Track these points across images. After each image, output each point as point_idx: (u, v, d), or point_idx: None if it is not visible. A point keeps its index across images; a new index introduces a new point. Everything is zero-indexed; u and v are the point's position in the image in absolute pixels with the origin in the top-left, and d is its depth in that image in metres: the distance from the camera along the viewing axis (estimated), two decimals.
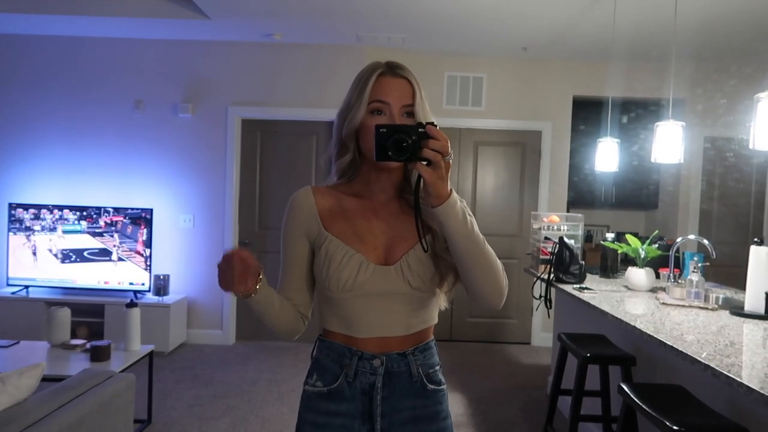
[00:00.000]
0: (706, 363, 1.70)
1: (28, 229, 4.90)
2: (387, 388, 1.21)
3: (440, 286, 1.24)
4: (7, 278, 4.92)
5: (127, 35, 5.06)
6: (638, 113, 5.43)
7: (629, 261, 3.31)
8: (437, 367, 1.28)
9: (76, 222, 4.88)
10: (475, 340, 5.42)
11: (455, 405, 3.78)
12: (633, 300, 2.84)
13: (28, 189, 5.14)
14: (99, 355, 3.09)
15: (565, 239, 3.34)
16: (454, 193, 1.10)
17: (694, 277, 2.73)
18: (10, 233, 4.90)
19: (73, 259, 4.88)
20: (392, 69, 1.22)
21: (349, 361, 1.21)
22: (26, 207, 4.91)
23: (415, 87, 1.20)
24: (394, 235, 1.22)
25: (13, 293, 4.86)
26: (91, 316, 4.75)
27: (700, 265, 2.81)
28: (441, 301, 1.29)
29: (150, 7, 4.44)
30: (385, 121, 1.17)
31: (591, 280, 3.38)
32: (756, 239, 2.47)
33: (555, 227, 3.68)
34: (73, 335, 4.43)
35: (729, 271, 3.40)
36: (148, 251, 4.85)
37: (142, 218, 4.86)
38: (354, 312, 1.20)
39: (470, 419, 3.61)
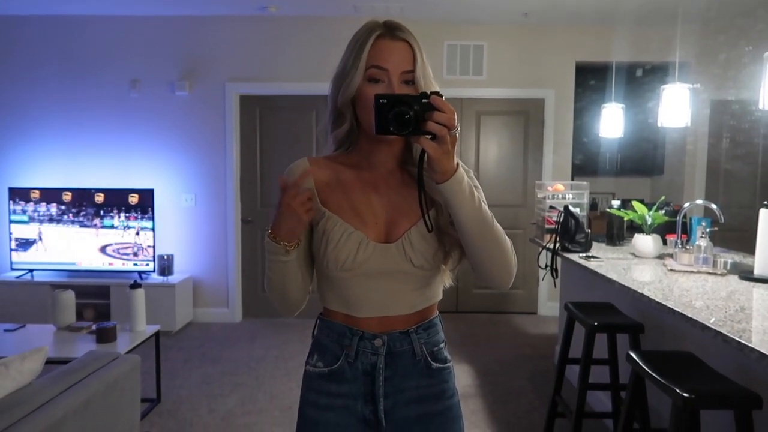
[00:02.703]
0: (717, 329, 1.67)
1: (29, 213, 4.88)
2: (389, 369, 1.17)
3: (445, 263, 1.19)
4: (11, 262, 4.92)
5: (121, 12, 4.97)
6: (643, 77, 5.32)
7: (635, 228, 3.27)
8: (442, 345, 1.24)
9: (77, 205, 4.85)
10: (481, 311, 5.42)
11: (462, 376, 3.79)
12: (640, 267, 2.80)
13: (28, 173, 5.11)
14: (105, 336, 3.09)
15: (570, 208, 3.30)
16: (461, 168, 1.03)
17: (702, 242, 2.69)
18: (12, 217, 4.88)
19: (76, 241, 4.87)
20: (391, 30, 1.13)
21: (349, 341, 1.17)
22: (27, 191, 4.89)
23: (416, 51, 1.12)
24: (395, 210, 1.16)
25: (17, 277, 4.87)
26: (96, 297, 4.77)
27: (707, 230, 2.76)
28: (446, 278, 1.24)
29: None
30: (384, 90, 1.09)
31: (597, 249, 3.34)
32: (765, 202, 2.42)
33: (560, 196, 3.63)
34: (80, 317, 4.44)
35: (738, 236, 3.35)
36: (150, 232, 4.83)
37: (143, 199, 4.83)
38: (354, 291, 1.16)
39: (478, 390, 3.62)
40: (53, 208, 4.85)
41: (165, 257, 4.88)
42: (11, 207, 4.88)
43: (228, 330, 4.96)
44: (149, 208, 4.82)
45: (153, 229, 4.83)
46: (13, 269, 4.93)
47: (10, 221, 4.89)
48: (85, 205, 4.84)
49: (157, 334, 3.39)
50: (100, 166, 5.09)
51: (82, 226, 4.85)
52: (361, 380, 1.18)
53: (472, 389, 3.62)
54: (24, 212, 4.87)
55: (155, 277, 4.87)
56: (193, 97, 5.11)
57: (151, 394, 3.39)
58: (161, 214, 5.02)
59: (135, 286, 3.32)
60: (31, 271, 4.92)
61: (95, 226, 4.84)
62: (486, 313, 5.42)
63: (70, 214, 4.84)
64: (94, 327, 3.24)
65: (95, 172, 5.08)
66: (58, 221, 4.86)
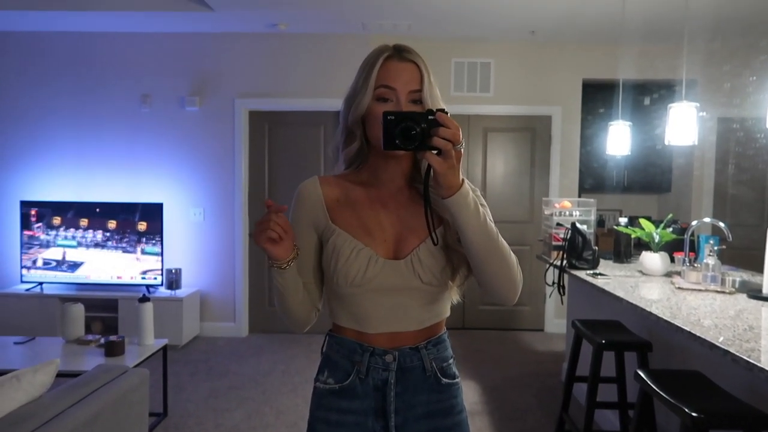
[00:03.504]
0: (725, 348, 1.67)
1: (39, 227, 4.93)
2: (400, 384, 1.19)
3: (452, 280, 1.21)
4: (21, 275, 4.96)
5: (132, 30, 5.06)
6: (650, 96, 5.35)
7: (643, 245, 3.27)
8: (451, 361, 1.25)
9: (87, 218, 4.90)
10: (487, 328, 5.41)
11: (469, 393, 3.78)
12: (648, 285, 2.80)
13: (39, 186, 5.17)
14: (113, 350, 3.10)
15: (578, 225, 3.31)
16: (466, 184, 1.06)
17: (710, 260, 2.68)
18: (23, 231, 4.93)
19: (85, 254, 4.90)
20: (399, 52, 1.17)
21: (360, 357, 1.19)
22: (38, 205, 4.95)
23: (423, 71, 1.16)
24: (404, 227, 1.18)
25: (27, 290, 4.90)
26: (105, 311, 4.79)
27: (715, 248, 2.76)
28: (453, 295, 1.26)
29: (154, 0, 4.43)
30: (392, 109, 1.13)
31: (604, 266, 3.34)
32: None
33: (567, 213, 3.64)
34: (88, 330, 4.46)
35: (746, 254, 3.35)
36: (159, 245, 4.86)
37: (152, 213, 4.87)
38: (364, 307, 1.17)
39: (484, 407, 3.60)
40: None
41: (173, 271, 4.91)
42: (22, 220, 4.93)
43: (234, 344, 4.96)
44: (158, 222, 4.86)
45: (161, 243, 4.87)
46: (23, 282, 4.97)
47: (22, 232, 4.94)
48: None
49: (164, 348, 3.40)
50: (110, 180, 5.15)
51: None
52: (372, 396, 1.19)
53: (479, 406, 3.61)
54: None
55: (163, 291, 4.89)
56: (202, 112, 5.17)
57: (158, 408, 3.39)
58: (170, 228, 5.06)
59: (144, 299, 3.34)
60: (40, 284, 4.95)
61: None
62: (493, 329, 5.40)
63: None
64: (102, 340, 3.26)
65: (105, 186, 5.13)
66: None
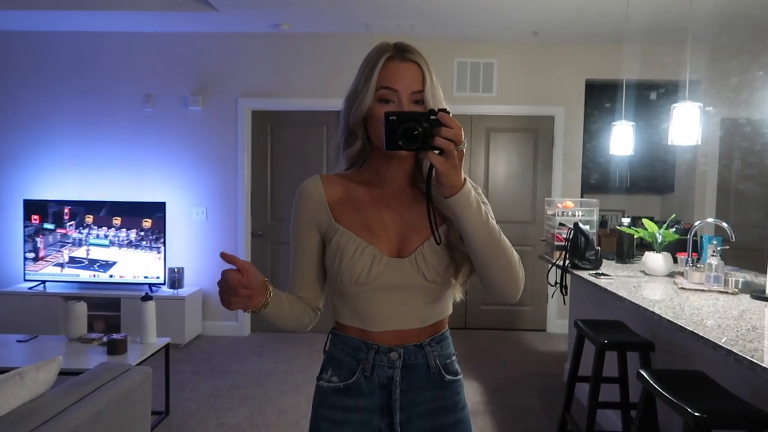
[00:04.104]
0: (728, 348, 1.66)
1: (43, 225, 4.94)
2: (405, 381, 1.19)
3: (456, 277, 1.21)
4: (25, 273, 4.97)
5: (136, 29, 5.07)
6: (653, 96, 5.34)
7: (645, 246, 3.26)
8: (453, 357, 1.26)
9: (89, 217, 4.91)
10: (489, 328, 5.40)
11: (471, 393, 3.77)
12: (651, 285, 2.79)
13: (42, 185, 5.18)
14: (116, 348, 3.11)
15: (580, 225, 3.30)
16: (468, 183, 1.06)
17: (713, 260, 2.68)
18: (26, 230, 4.95)
19: (88, 254, 4.92)
20: (401, 52, 1.16)
21: (365, 355, 1.19)
22: (41, 203, 4.96)
23: (426, 72, 1.15)
24: (407, 226, 1.18)
25: (30, 288, 4.92)
26: (107, 309, 4.80)
27: (719, 248, 2.75)
28: (456, 292, 1.26)
29: (158, 0, 4.44)
30: (394, 109, 1.12)
31: (607, 266, 3.33)
32: None
33: (569, 213, 3.63)
34: (90, 329, 4.46)
35: (749, 255, 3.34)
36: (161, 245, 4.87)
37: (155, 212, 4.88)
38: (368, 306, 1.18)
39: (486, 407, 3.60)
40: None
41: (175, 270, 4.91)
42: (26, 218, 4.95)
43: (237, 343, 4.97)
44: (161, 222, 4.87)
45: (164, 243, 4.87)
46: (26, 280, 4.98)
47: (25, 231, 4.96)
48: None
49: (166, 347, 3.41)
50: (113, 179, 5.16)
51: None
52: (377, 394, 1.19)
53: (481, 406, 3.60)
54: (38, 223, 4.93)
55: (165, 290, 4.90)
56: (205, 111, 5.18)
57: (160, 407, 3.40)
58: (172, 227, 5.07)
59: (146, 298, 3.35)
60: (43, 282, 4.97)
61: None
62: (495, 329, 5.39)
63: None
64: (105, 339, 3.26)
65: (108, 185, 5.14)
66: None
